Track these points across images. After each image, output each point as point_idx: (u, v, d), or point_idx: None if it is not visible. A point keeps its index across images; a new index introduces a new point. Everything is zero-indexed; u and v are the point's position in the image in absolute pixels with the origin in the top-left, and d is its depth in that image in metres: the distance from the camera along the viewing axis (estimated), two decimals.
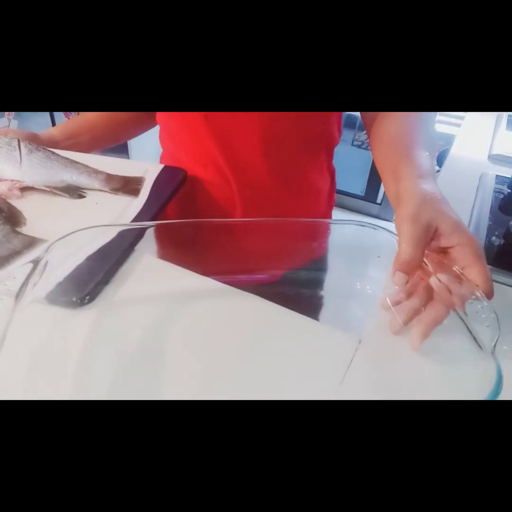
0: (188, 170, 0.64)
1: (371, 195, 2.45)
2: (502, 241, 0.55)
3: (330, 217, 0.77)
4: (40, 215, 0.50)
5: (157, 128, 0.73)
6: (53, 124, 2.00)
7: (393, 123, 0.53)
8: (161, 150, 0.74)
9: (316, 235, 0.51)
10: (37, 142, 0.67)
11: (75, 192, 0.54)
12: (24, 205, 0.51)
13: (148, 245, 0.47)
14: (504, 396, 0.29)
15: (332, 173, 0.73)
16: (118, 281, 0.43)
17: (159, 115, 0.68)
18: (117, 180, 0.56)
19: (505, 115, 1.04)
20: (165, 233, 0.49)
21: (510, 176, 0.73)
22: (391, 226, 0.42)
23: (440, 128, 2.73)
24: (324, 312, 0.51)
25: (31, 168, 0.55)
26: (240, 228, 0.53)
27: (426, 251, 0.37)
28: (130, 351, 0.35)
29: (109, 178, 0.56)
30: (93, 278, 0.41)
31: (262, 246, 0.57)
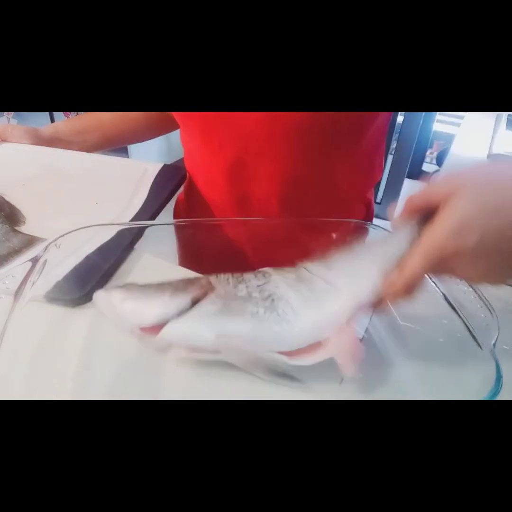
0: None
1: None
2: None
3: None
4: (39, 214, 0.50)
5: None
6: None
7: None
8: (161, 149, 0.74)
9: (316, 235, 0.51)
10: (38, 137, 0.66)
11: None
12: (23, 204, 0.51)
13: (147, 244, 0.46)
14: (503, 395, 0.29)
15: (368, 204, 0.65)
16: (117, 280, 0.43)
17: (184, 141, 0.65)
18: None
19: (504, 115, 1.04)
20: (165, 232, 0.49)
21: None
22: (390, 225, 0.42)
23: (440, 127, 2.73)
24: None
25: None
26: (239, 227, 0.53)
27: None
28: (129, 350, 0.35)
29: None
30: (92, 277, 0.41)
31: (262, 245, 0.57)
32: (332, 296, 0.34)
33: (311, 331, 0.34)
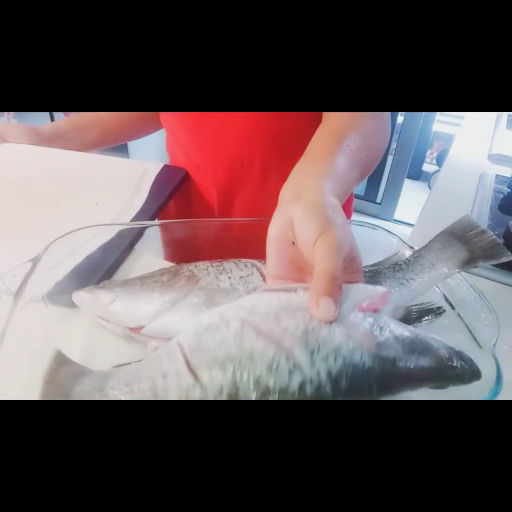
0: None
1: (371, 195, 2.45)
2: (502, 241, 0.55)
3: None
4: (39, 214, 0.50)
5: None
6: None
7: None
8: (160, 149, 0.75)
9: None
10: (38, 136, 0.66)
11: None
12: (23, 204, 0.51)
13: (147, 244, 0.46)
14: (503, 395, 0.29)
15: None
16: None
17: (165, 121, 0.68)
18: None
19: (504, 115, 1.04)
20: (164, 232, 0.49)
21: (509, 176, 0.73)
22: (390, 226, 0.42)
23: (440, 128, 2.73)
24: None
25: None
26: (239, 227, 0.53)
27: None
28: (129, 350, 0.35)
29: None
30: (93, 277, 0.41)
31: (261, 245, 0.57)
32: None
33: None
